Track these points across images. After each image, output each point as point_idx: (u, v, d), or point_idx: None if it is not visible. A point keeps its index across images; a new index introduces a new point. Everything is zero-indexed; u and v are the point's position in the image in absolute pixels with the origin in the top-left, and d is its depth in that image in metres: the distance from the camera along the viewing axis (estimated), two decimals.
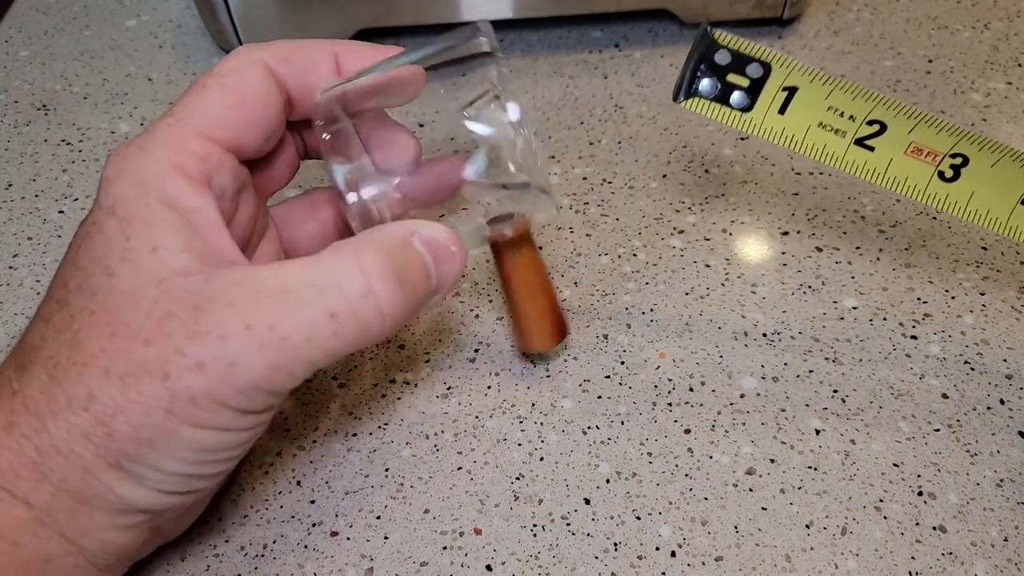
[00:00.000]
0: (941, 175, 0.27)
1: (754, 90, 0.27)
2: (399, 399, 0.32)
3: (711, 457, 0.30)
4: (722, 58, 0.27)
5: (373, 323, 0.22)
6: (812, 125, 0.27)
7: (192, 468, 0.22)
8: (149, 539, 0.24)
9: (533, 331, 0.31)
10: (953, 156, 0.27)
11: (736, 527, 0.28)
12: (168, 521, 0.25)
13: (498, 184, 0.27)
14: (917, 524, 0.28)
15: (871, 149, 0.27)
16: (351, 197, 0.25)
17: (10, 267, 0.37)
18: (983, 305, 0.34)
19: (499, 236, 0.29)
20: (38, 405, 0.21)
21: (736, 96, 0.27)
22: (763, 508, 0.28)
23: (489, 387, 0.32)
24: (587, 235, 0.37)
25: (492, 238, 0.29)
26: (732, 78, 0.27)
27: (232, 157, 0.24)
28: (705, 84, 0.27)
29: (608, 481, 0.29)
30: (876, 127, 0.27)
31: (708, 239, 0.37)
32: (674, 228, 0.37)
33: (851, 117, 0.27)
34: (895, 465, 0.29)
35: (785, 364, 0.32)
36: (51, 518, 0.21)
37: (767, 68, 0.27)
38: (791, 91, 0.27)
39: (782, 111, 0.27)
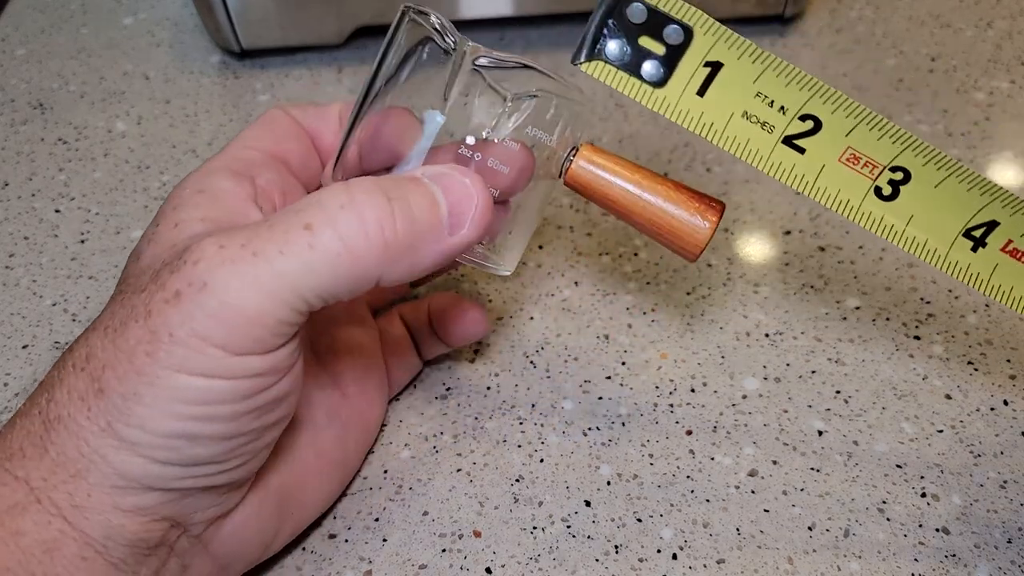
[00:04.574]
0: (878, 191, 0.23)
1: (670, 60, 0.22)
2: (398, 400, 0.32)
3: (713, 458, 0.30)
4: (636, 14, 0.22)
5: (356, 238, 0.20)
6: (735, 114, 0.23)
7: (183, 426, 0.20)
8: (190, 551, 0.23)
9: (686, 223, 0.25)
10: (894, 170, 0.23)
11: (738, 529, 0.28)
12: (198, 525, 0.23)
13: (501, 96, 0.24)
14: (920, 526, 0.28)
15: (801, 151, 0.23)
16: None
17: (6, 267, 0.37)
18: (986, 305, 0.34)
19: (575, 169, 0.25)
20: (51, 378, 0.21)
21: (648, 66, 0.22)
22: (765, 510, 0.28)
23: (488, 388, 0.32)
24: (588, 234, 0.37)
25: (570, 176, 0.25)
26: (645, 42, 0.22)
27: (278, 162, 0.25)
28: (612, 46, 0.22)
29: (609, 483, 0.29)
30: (810, 123, 0.23)
31: None
32: None
33: (782, 108, 0.23)
34: (898, 466, 0.29)
35: (787, 364, 0.32)
36: (49, 498, 0.21)
37: (688, 33, 0.22)
38: (714, 67, 0.22)
39: (701, 92, 0.23)
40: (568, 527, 0.28)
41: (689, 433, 0.30)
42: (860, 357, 0.32)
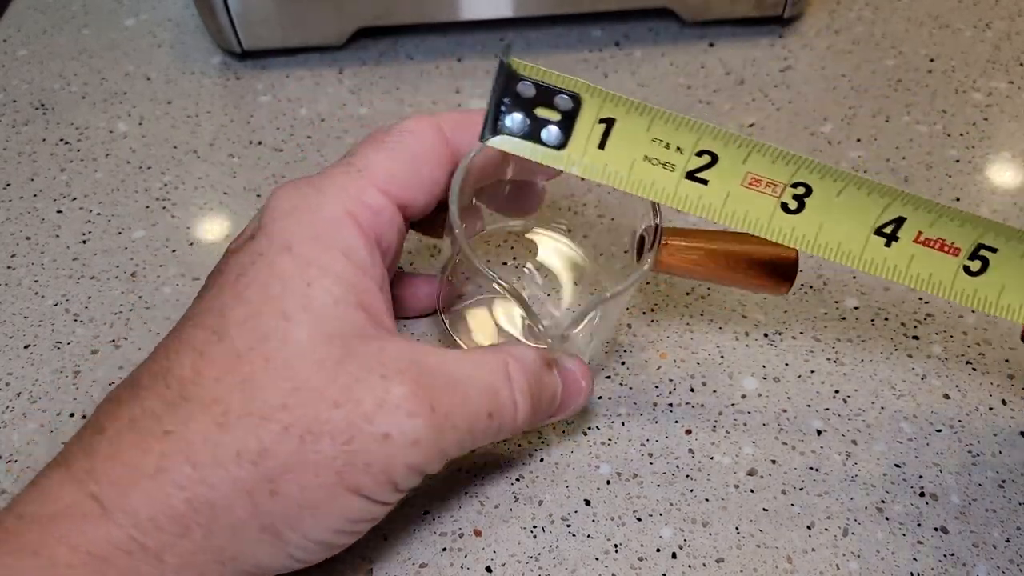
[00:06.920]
0: (785, 207, 0.24)
1: (567, 124, 0.24)
2: None
3: (712, 458, 0.30)
4: (526, 90, 0.23)
5: (506, 430, 0.24)
6: (637, 159, 0.24)
7: (332, 538, 0.22)
8: None
9: (769, 267, 0.28)
10: (795, 186, 0.24)
11: (737, 528, 0.28)
12: None
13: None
14: (919, 525, 0.28)
15: (704, 183, 0.24)
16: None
17: (8, 267, 0.37)
18: None
19: (664, 256, 0.27)
20: (200, 454, 0.20)
21: (548, 132, 0.24)
22: (764, 509, 0.28)
23: None
24: (584, 236, 0.37)
25: (662, 262, 0.27)
26: (541, 112, 0.24)
27: (400, 215, 0.25)
28: (513, 120, 0.24)
29: (608, 482, 0.29)
30: (707, 158, 0.24)
31: None
32: None
33: (678, 148, 0.24)
34: (897, 466, 0.29)
35: (786, 364, 0.32)
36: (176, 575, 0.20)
37: (576, 99, 0.23)
38: (608, 123, 0.24)
39: (602, 146, 0.24)
40: (568, 526, 0.28)
41: (688, 432, 0.30)
42: (859, 357, 0.32)
